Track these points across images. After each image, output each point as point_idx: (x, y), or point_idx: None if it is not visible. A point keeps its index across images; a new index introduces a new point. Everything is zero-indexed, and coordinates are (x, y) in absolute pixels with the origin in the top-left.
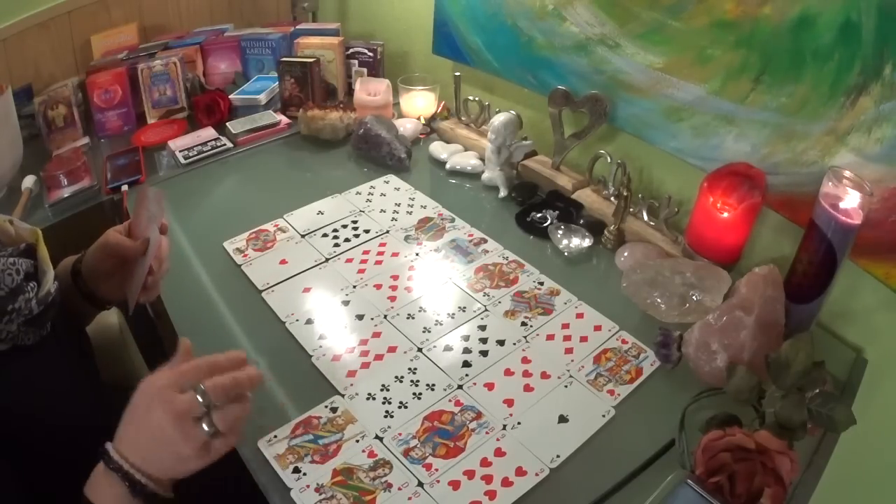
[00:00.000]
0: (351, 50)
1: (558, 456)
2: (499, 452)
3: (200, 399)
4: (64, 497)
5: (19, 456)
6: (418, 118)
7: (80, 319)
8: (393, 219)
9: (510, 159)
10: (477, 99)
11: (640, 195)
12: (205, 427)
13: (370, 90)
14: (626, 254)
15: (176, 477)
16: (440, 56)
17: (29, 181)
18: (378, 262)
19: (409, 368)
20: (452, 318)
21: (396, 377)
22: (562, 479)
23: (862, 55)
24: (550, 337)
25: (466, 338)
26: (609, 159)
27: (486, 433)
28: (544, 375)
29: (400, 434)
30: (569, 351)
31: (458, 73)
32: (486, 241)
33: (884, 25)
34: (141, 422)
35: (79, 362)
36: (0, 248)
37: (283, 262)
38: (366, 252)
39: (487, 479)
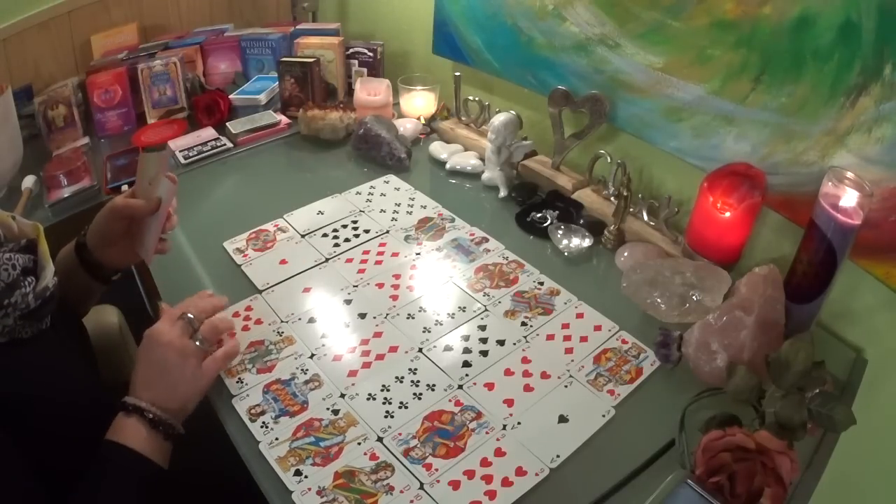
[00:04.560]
0: (351, 50)
1: (558, 456)
2: (499, 452)
3: (188, 321)
4: (66, 469)
5: (21, 437)
6: (418, 118)
7: (83, 301)
8: (393, 219)
9: (510, 159)
10: (477, 99)
11: (640, 195)
12: (196, 343)
13: (370, 90)
14: (626, 254)
15: (186, 405)
16: (440, 56)
17: (29, 181)
18: (378, 263)
19: (410, 368)
20: (452, 318)
21: (397, 377)
22: (562, 479)
23: (862, 55)
24: (550, 337)
25: (466, 338)
26: (609, 159)
27: (486, 433)
28: (544, 375)
29: (400, 434)
30: (569, 351)
31: (458, 73)
32: (487, 240)
33: (884, 25)
34: (148, 361)
35: (78, 355)
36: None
37: (283, 262)
38: (366, 252)
39: (487, 478)
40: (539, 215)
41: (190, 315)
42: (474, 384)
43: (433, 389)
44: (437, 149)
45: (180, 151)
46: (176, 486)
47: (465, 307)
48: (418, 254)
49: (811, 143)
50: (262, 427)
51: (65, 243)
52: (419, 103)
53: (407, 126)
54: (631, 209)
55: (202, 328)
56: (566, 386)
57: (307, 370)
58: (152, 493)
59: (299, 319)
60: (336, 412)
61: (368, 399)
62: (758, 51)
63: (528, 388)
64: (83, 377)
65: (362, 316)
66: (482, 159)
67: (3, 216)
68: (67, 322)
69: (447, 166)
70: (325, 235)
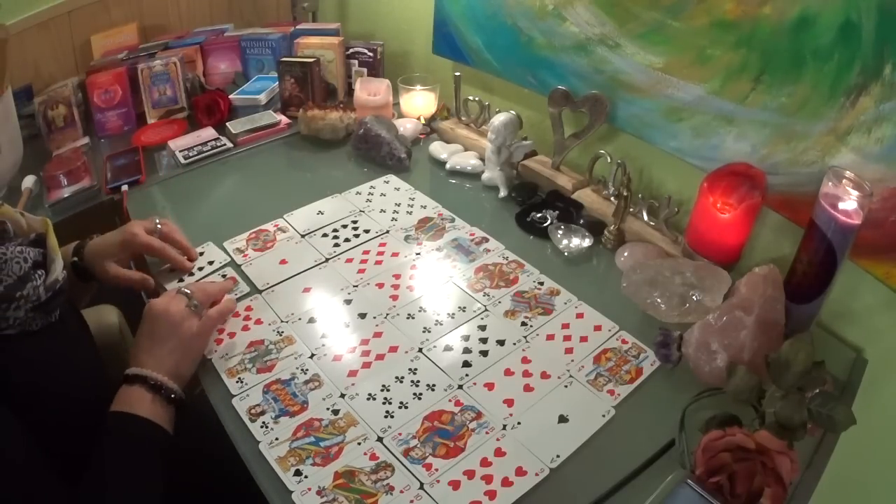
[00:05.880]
0: (351, 50)
1: (558, 456)
2: (499, 452)
3: (184, 294)
4: (76, 455)
5: (32, 425)
6: (418, 118)
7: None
8: (393, 219)
9: (510, 159)
10: (477, 99)
11: (640, 195)
12: (191, 308)
13: (370, 90)
14: (626, 254)
15: (185, 368)
16: (440, 56)
17: (29, 181)
18: (378, 263)
19: (410, 368)
20: (452, 318)
21: (397, 377)
22: (562, 479)
23: (862, 55)
24: (550, 337)
25: (466, 338)
26: (609, 159)
27: (486, 433)
28: (544, 375)
29: (400, 434)
30: (569, 351)
31: (458, 73)
32: (487, 240)
33: (884, 25)
34: (143, 332)
35: (84, 347)
36: (10, 238)
37: (283, 262)
38: (366, 252)
39: (487, 478)
40: (539, 215)
41: (186, 290)
42: (474, 384)
43: (433, 389)
44: (437, 149)
45: (180, 151)
46: (176, 485)
47: (465, 307)
48: (418, 254)
49: (811, 143)
50: (262, 427)
51: (64, 243)
52: (419, 103)
53: (407, 126)
54: (631, 209)
55: (194, 293)
56: (566, 386)
57: (307, 370)
58: (163, 457)
59: (299, 319)
60: (336, 412)
61: (368, 399)
62: (758, 51)
63: (528, 388)
64: (90, 368)
65: (362, 316)
66: (482, 159)
67: (12, 212)
68: (73, 316)
69: (447, 166)
70: (325, 235)
